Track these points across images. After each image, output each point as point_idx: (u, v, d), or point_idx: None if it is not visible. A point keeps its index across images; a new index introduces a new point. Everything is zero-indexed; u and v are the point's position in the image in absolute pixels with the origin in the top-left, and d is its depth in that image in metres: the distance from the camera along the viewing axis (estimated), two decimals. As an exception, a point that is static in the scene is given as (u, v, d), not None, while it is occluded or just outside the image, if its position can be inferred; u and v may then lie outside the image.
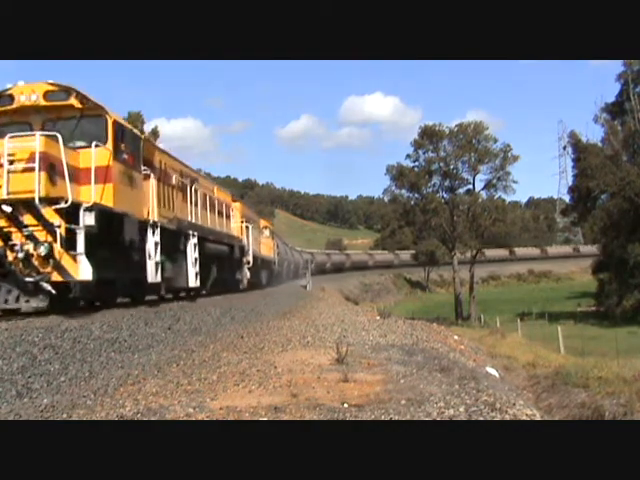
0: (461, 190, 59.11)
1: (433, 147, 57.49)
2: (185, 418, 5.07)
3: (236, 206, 22.62)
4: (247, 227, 22.95)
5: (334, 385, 6.51)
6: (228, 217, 20.10)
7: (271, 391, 6.25)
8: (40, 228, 8.90)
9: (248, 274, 22.35)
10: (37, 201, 8.75)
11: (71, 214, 9.06)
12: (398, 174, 58.19)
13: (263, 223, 31.96)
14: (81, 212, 9.15)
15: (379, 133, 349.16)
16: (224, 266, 18.88)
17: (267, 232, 31.60)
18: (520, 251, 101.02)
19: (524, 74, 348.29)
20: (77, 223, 9.11)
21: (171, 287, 14.15)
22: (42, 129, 9.79)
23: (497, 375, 12.37)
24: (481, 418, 4.98)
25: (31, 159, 8.81)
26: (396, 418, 4.94)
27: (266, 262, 29.58)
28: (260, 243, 27.90)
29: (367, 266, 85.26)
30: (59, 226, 8.87)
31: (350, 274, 78.40)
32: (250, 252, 22.81)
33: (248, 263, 22.51)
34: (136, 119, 52.73)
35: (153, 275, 11.57)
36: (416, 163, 58.29)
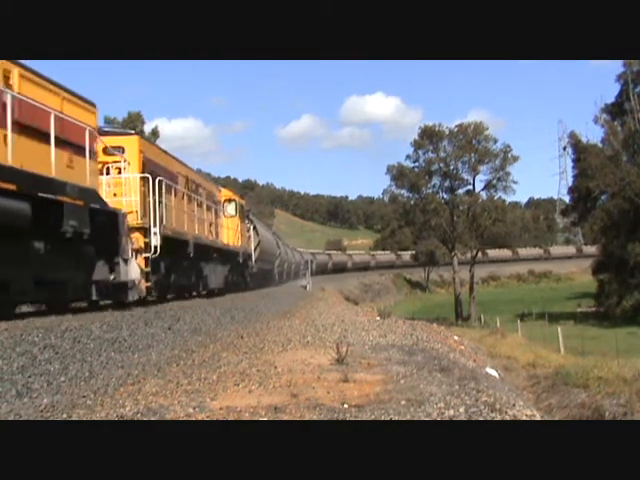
0: (461, 190, 59.31)
1: (433, 147, 57.63)
2: (185, 418, 5.06)
3: (125, 142, 12.78)
4: (148, 179, 12.85)
5: (334, 385, 6.51)
6: (74, 150, 9.64)
7: (271, 391, 6.25)
8: None
9: (134, 272, 11.49)
10: None
11: None
12: (398, 174, 58.35)
13: (226, 194, 21.98)
14: None
15: (380, 133, 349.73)
16: (30, 254, 8.49)
17: (231, 209, 21.58)
18: (492, 253, 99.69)
19: (524, 74, 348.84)
20: None
21: None
22: None
23: (497, 375, 12.37)
24: (481, 418, 4.98)
25: None
26: (396, 418, 4.94)
27: (228, 254, 20.02)
28: (216, 225, 19.19)
29: (346, 267, 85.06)
30: None
31: (351, 274, 78.56)
32: (157, 230, 12.69)
33: (151, 250, 12.54)
34: (136, 119, 52.80)
35: None
36: (416, 163, 58.51)
